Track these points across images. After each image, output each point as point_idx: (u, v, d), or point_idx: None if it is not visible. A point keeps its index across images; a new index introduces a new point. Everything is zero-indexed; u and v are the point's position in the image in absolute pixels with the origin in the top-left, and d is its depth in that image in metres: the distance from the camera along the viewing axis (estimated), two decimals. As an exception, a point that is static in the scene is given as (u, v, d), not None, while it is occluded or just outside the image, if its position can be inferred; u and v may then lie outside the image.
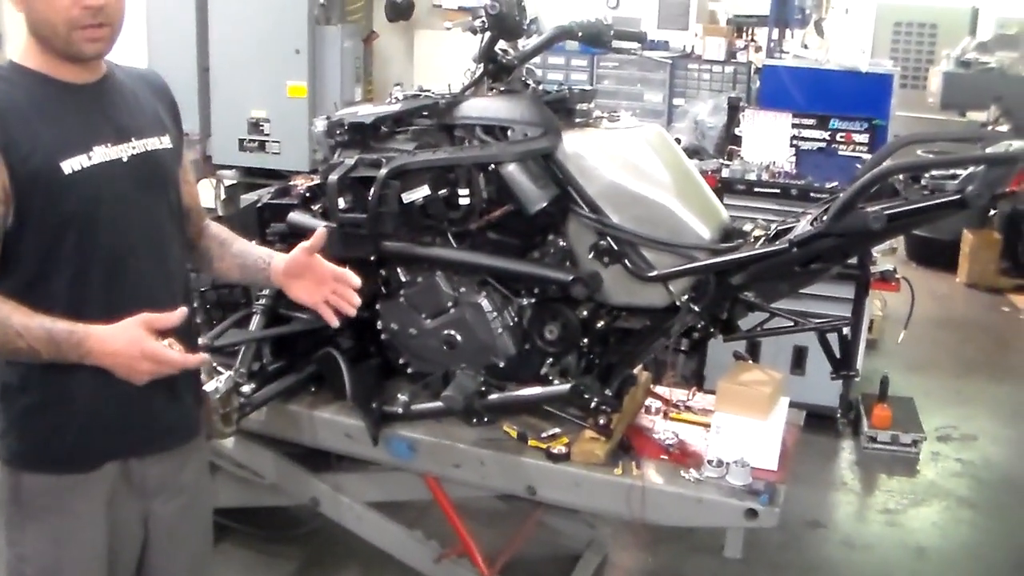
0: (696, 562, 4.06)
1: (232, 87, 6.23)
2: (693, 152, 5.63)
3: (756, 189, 5.07)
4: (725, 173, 5.20)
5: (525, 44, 3.33)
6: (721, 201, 5.09)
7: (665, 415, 3.48)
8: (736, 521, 3.00)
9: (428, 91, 3.35)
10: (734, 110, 5.57)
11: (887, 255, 5.33)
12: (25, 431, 2.19)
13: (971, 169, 2.73)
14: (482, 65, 3.26)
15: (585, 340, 3.20)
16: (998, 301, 8.18)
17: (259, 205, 3.66)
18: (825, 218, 2.80)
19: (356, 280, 2.40)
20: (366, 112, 3.32)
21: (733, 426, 3.11)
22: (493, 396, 3.17)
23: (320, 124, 3.42)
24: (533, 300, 3.22)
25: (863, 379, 5.71)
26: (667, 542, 4.11)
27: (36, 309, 2.03)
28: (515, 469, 3.19)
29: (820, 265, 3.00)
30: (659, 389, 3.71)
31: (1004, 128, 9.01)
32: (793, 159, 5.28)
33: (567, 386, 3.09)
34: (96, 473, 2.23)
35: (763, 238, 3.05)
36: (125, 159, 2.16)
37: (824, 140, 5.35)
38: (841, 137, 5.31)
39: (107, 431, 2.23)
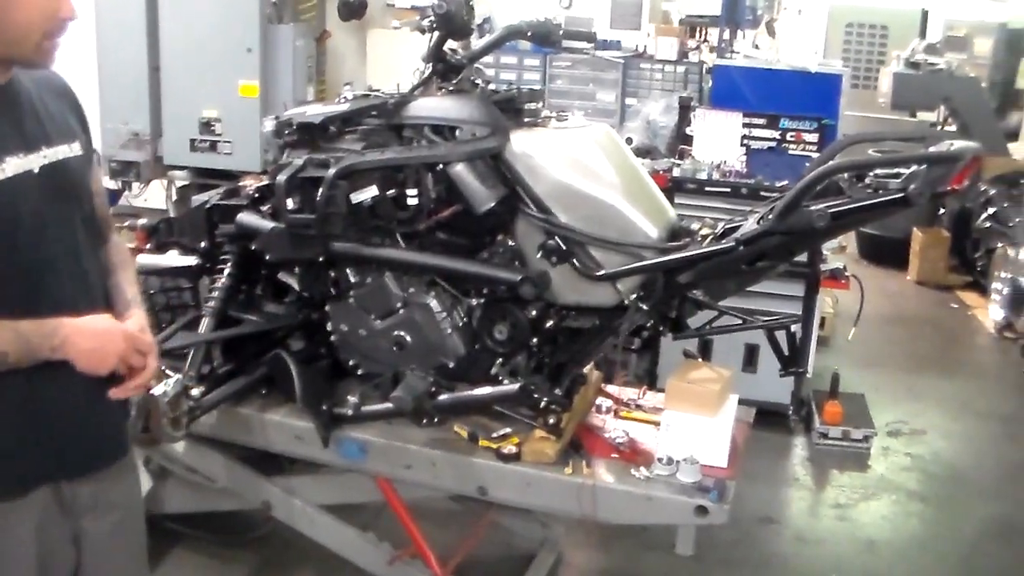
0: (649, 559, 4.08)
1: (183, 86, 6.13)
2: (645, 152, 5.67)
3: (707, 188, 5.11)
4: (676, 172, 5.23)
5: (476, 44, 3.33)
6: (672, 200, 5.16)
7: (616, 414, 3.50)
8: (686, 518, 3.02)
9: (377, 91, 3.34)
10: (685, 109, 5.61)
11: (837, 253, 5.38)
12: None
13: (913, 168, 2.78)
14: (431, 65, 3.25)
15: (535, 340, 3.20)
16: (947, 298, 8.30)
17: (208, 206, 3.62)
18: (770, 216, 2.83)
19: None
20: (315, 112, 3.30)
21: (682, 424, 3.13)
22: (443, 397, 3.16)
23: (269, 124, 3.40)
24: (482, 300, 3.21)
25: (815, 376, 5.79)
26: (621, 540, 4.13)
27: None
28: (466, 470, 3.19)
29: (766, 263, 3.02)
30: (610, 388, 3.73)
31: (952, 127, 9.16)
32: (744, 158, 5.33)
33: (516, 386, 3.09)
34: (23, 500, 2.13)
35: (710, 237, 3.06)
36: (36, 170, 2.05)
37: (774, 139, 5.39)
38: (791, 136, 5.36)
39: (35, 455, 2.14)
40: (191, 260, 3.62)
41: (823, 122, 5.34)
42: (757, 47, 6.36)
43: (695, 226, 3.18)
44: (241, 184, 3.68)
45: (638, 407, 3.55)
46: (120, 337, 2.06)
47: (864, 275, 8.88)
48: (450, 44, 3.25)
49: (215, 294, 3.44)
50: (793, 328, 3.43)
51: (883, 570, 4.16)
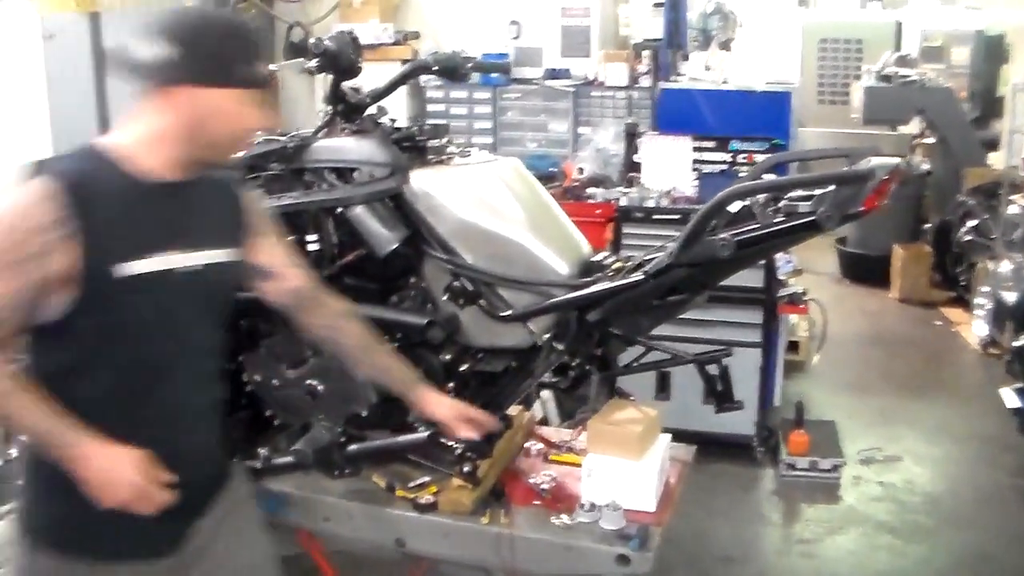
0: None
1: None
2: (597, 181, 5.55)
3: (655, 216, 4.97)
4: (623, 201, 5.10)
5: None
6: (619, 231, 5.08)
7: (545, 457, 3.35)
8: (607, 568, 2.85)
9: (280, 136, 3.23)
10: (632, 136, 5.48)
11: (792, 276, 5.24)
12: (46, 507, 2.14)
13: (825, 190, 2.64)
14: (331, 106, 3.14)
15: (450, 384, 3.06)
16: (931, 315, 8.13)
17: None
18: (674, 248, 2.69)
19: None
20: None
21: (605, 467, 2.98)
22: (352, 447, 3.03)
23: None
24: (396, 345, 3.08)
25: (785, 404, 5.63)
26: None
27: (63, 399, 2.00)
28: (383, 521, 3.05)
29: (680, 297, 2.88)
30: (544, 430, 3.58)
31: (930, 139, 9.03)
32: (696, 183, 5.19)
33: (425, 434, 2.95)
34: (85, 563, 2.14)
35: (622, 271, 2.93)
36: (181, 269, 2.10)
37: (726, 162, 5.28)
38: (743, 159, 5.24)
39: (133, 533, 2.12)
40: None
41: (774, 142, 5.23)
42: (709, 68, 6.24)
43: (609, 260, 3.05)
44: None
45: (569, 449, 3.40)
46: (133, 471, 2.01)
47: (845, 294, 8.87)
48: (350, 83, 3.15)
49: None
50: (724, 361, 3.26)
51: (845, 609, 3.98)
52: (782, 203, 2.76)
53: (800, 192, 2.75)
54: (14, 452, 3.13)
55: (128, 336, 2.07)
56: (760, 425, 5.26)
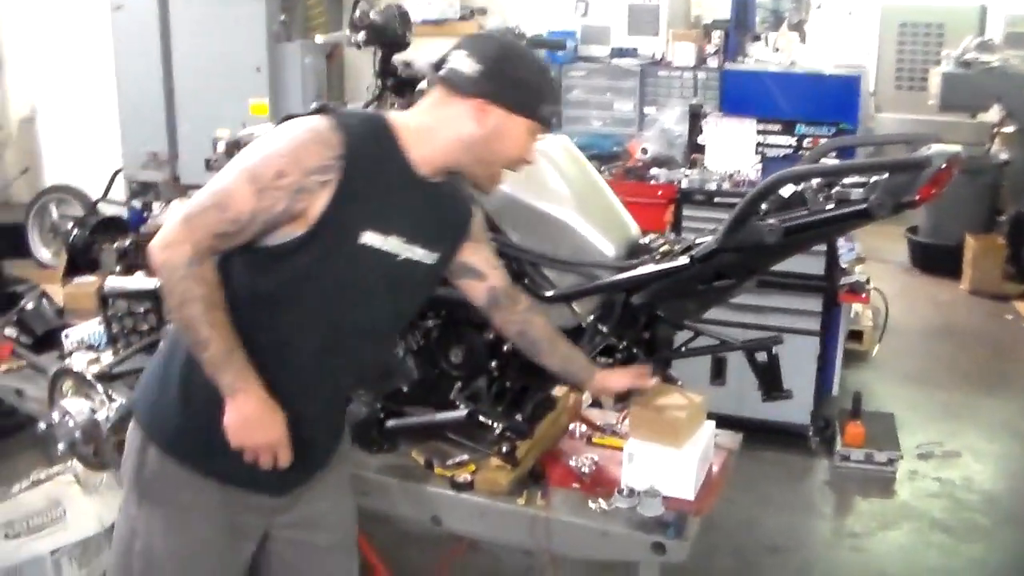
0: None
1: (196, 107, 6.17)
2: (662, 162, 5.47)
3: (716, 199, 4.88)
4: (684, 183, 5.02)
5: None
6: (680, 213, 5.00)
7: (589, 440, 3.31)
8: (643, 555, 2.81)
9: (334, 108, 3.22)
10: (695, 117, 5.38)
11: (854, 264, 5.12)
12: (190, 423, 2.22)
13: (879, 177, 2.56)
14: (380, 81, 3.12)
15: (493, 364, 3.04)
16: (1002, 309, 7.91)
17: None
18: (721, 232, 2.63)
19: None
20: (261, 132, 3.20)
21: (646, 454, 2.93)
22: (391, 423, 3.03)
23: (222, 145, 3.32)
24: (439, 322, 3.07)
25: (844, 394, 5.53)
26: (611, 571, 3.91)
27: (242, 330, 2.12)
28: (420, 498, 3.04)
29: (726, 282, 2.81)
30: (591, 412, 3.54)
31: (1010, 128, 8.78)
32: (759, 167, 5.09)
33: (463, 412, 2.93)
34: (216, 482, 2.26)
35: (669, 254, 2.87)
36: (400, 258, 2.22)
37: (791, 146, 5.16)
38: (808, 143, 5.12)
39: (271, 471, 2.23)
40: (154, 282, 3.54)
41: (841, 127, 5.09)
42: (777, 50, 6.11)
43: (657, 242, 3.00)
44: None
45: (614, 433, 3.35)
46: (274, 432, 2.17)
47: (913, 284, 8.68)
48: (401, 57, 3.12)
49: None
50: (775, 349, 3.19)
51: (891, 607, 3.90)
52: (835, 189, 2.68)
53: (857, 179, 2.68)
54: (56, 416, 3.18)
55: (328, 292, 2.17)
56: (816, 414, 5.16)
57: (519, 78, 2.19)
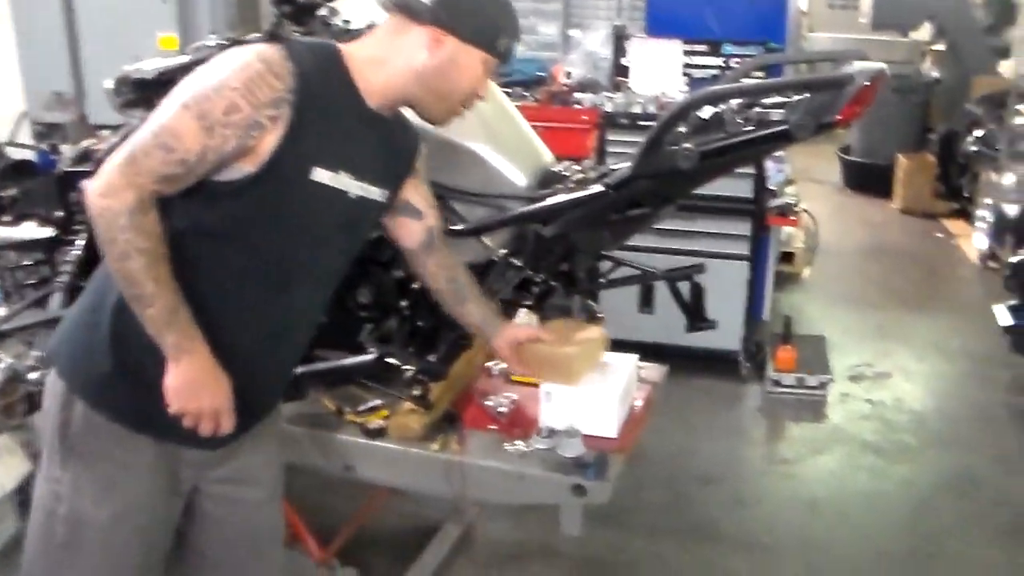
0: (567, 531, 3.78)
1: (101, 41, 5.86)
2: (587, 86, 5.31)
3: (640, 123, 4.73)
4: (608, 107, 4.87)
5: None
6: (605, 138, 4.86)
7: (507, 378, 3.18)
8: (564, 498, 2.70)
9: (225, 40, 3.01)
10: (620, 39, 5.21)
11: (784, 185, 5.02)
12: (123, 379, 2.05)
13: (800, 96, 2.42)
14: (277, 8, 2.92)
15: (403, 303, 2.90)
16: (932, 227, 7.92)
17: (59, 174, 3.35)
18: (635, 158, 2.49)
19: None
20: (151, 66, 2.98)
21: (565, 391, 2.81)
22: (298, 369, 2.86)
23: (108, 81, 3.09)
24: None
25: (776, 318, 5.47)
26: (537, 511, 3.82)
27: (187, 273, 1.97)
28: (331, 446, 2.90)
29: (642, 211, 2.67)
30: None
31: (940, 47, 8.72)
32: (686, 89, 4.95)
33: (372, 356, 2.79)
34: (151, 437, 2.11)
35: (584, 182, 2.73)
36: (351, 195, 2.09)
37: (718, 67, 5.02)
38: (736, 63, 4.97)
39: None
40: (46, 232, 3.34)
41: (769, 46, 4.96)
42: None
43: (571, 170, 2.85)
44: (92, 147, 3.38)
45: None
46: (217, 397, 2.04)
47: (846, 204, 8.66)
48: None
49: (66, 268, 3.15)
50: (699, 278, 3.08)
51: (821, 533, 3.84)
52: (755, 110, 2.54)
53: (779, 99, 2.54)
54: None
55: (278, 231, 2.04)
56: (746, 340, 5.10)
57: (477, 7, 2.07)
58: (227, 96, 1.88)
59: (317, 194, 2.02)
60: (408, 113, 2.23)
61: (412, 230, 2.40)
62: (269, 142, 1.92)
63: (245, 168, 1.94)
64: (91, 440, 2.09)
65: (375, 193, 2.16)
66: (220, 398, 2.04)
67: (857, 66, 2.40)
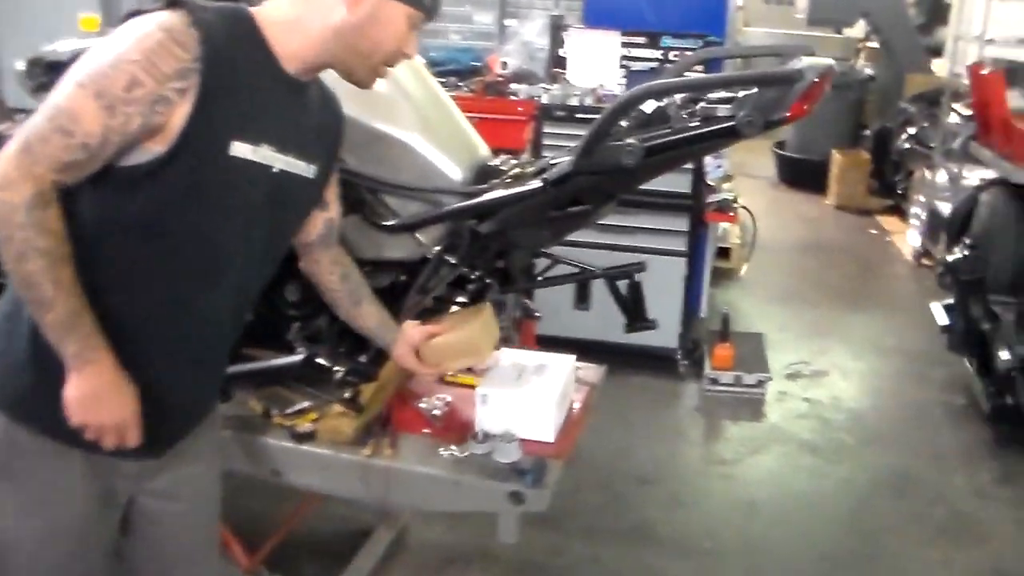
0: (502, 535, 3.68)
1: (18, 22, 5.63)
2: (523, 77, 5.21)
3: (578, 116, 4.65)
4: (545, 99, 4.78)
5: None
6: (541, 130, 4.76)
7: (442, 378, 3.06)
8: (500, 506, 2.59)
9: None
10: (557, 30, 5.13)
11: (722, 181, 4.96)
12: (45, 392, 1.87)
13: (748, 91, 2.34)
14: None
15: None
16: (866, 223, 7.95)
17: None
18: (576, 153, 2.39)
19: None
20: (67, 47, 2.82)
21: (500, 394, 2.70)
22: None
23: (20, 63, 2.92)
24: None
25: (713, 315, 5.43)
26: (473, 515, 3.71)
27: (104, 264, 1.83)
28: (258, 450, 2.76)
29: (583, 208, 2.58)
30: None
31: (874, 43, 8.75)
32: (624, 81, 4.87)
33: (299, 356, 2.66)
34: (80, 450, 1.94)
35: (521, 177, 2.62)
36: (275, 170, 1.94)
37: (657, 60, 4.95)
38: (675, 56, 4.90)
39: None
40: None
41: (708, 39, 4.89)
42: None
43: (508, 165, 2.75)
44: (6, 131, 3.20)
45: (470, 369, 3.11)
46: (121, 412, 1.88)
47: (781, 199, 8.66)
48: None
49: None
50: (638, 276, 2.99)
51: (759, 534, 3.78)
52: (700, 105, 2.46)
53: (724, 94, 2.46)
54: None
55: (201, 215, 1.88)
56: (684, 337, 5.04)
57: None
58: (126, 70, 1.71)
59: (238, 171, 1.87)
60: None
61: (314, 221, 2.24)
62: (178, 117, 1.76)
63: (155, 148, 1.78)
64: (14, 456, 1.95)
65: (301, 168, 2.01)
66: (124, 411, 1.88)
67: (806, 62, 2.32)
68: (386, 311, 2.45)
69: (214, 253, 1.94)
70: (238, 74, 1.83)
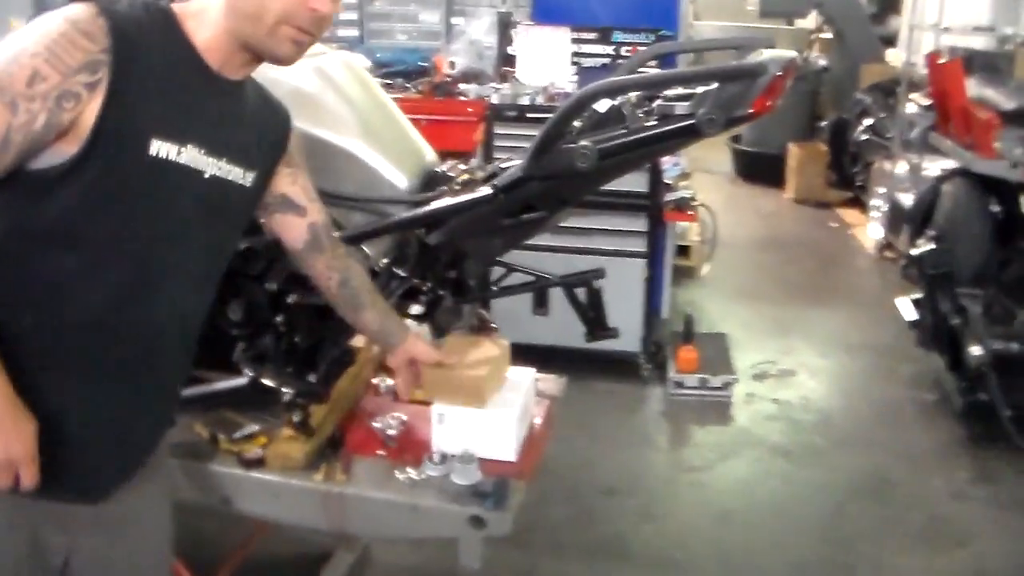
0: (467, 553, 3.54)
1: (-51, 30, 5.42)
2: (471, 76, 5.08)
3: (529, 115, 4.52)
4: (495, 99, 4.64)
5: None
6: (491, 131, 4.63)
7: (396, 395, 2.91)
8: (460, 531, 2.45)
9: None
10: (505, 27, 5.01)
11: (680, 180, 4.84)
12: None
13: (707, 88, 2.22)
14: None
15: (279, 318, 2.62)
16: (826, 216, 7.89)
17: None
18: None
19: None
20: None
21: (457, 413, 2.56)
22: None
23: None
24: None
25: (676, 316, 5.32)
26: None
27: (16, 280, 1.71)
28: (205, 478, 2.61)
29: (536, 215, 2.44)
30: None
31: (827, 35, 8.70)
32: (575, 79, 4.76)
33: (245, 378, 2.51)
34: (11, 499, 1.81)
35: (470, 184, 2.49)
36: (206, 175, 1.82)
37: (608, 56, 4.83)
38: (627, 51, 4.79)
39: (72, 476, 1.85)
40: None
41: (661, 33, 4.78)
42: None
43: (456, 171, 2.61)
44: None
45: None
46: (14, 447, 1.71)
47: (739, 195, 8.57)
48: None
49: None
50: (597, 284, 2.86)
51: (735, 544, 3.66)
52: (657, 103, 2.33)
53: (680, 90, 2.33)
54: None
55: (123, 223, 1.75)
56: (646, 340, 4.92)
57: None
58: (27, 64, 1.60)
59: (161, 173, 1.74)
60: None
61: (294, 228, 2.13)
62: (90, 114, 1.64)
63: (67, 149, 1.65)
64: None
65: (237, 175, 1.88)
66: (18, 447, 1.71)
67: (767, 55, 2.20)
68: (393, 315, 2.38)
69: (141, 267, 1.80)
70: (154, 66, 1.71)
